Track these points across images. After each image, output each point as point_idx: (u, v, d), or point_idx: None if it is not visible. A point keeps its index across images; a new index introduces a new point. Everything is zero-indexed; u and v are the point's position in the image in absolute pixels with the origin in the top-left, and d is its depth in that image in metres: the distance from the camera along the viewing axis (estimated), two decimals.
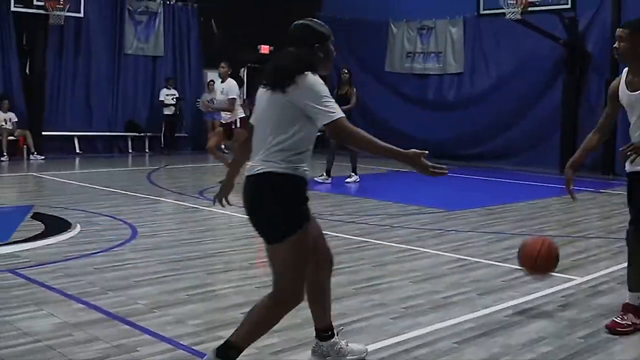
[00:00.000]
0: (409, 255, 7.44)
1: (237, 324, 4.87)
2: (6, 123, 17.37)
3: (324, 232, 4.20)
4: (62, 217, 9.08)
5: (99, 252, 7.15)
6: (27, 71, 18.49)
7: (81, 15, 18.48)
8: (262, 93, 3.90)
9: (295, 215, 3.75)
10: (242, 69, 22.27)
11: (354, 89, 14.21)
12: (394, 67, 21.01)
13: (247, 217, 3.85)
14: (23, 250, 7.18)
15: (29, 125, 17.83)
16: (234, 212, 10.04)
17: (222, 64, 12.98)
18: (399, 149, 3.68)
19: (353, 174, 13.87)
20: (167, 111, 20.20)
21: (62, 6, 17.80)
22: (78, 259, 6.88)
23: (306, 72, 3.71)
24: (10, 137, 17.36)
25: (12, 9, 17.45)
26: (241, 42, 21.30)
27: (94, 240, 7.78)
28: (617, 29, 4.92)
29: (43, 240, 7.71)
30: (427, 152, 3.68)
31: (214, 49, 21.28)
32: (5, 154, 16.95)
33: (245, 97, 22.40)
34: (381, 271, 6.69)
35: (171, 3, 21.01)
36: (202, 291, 5.79)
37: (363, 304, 5.55)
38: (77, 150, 19.00)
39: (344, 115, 3.69)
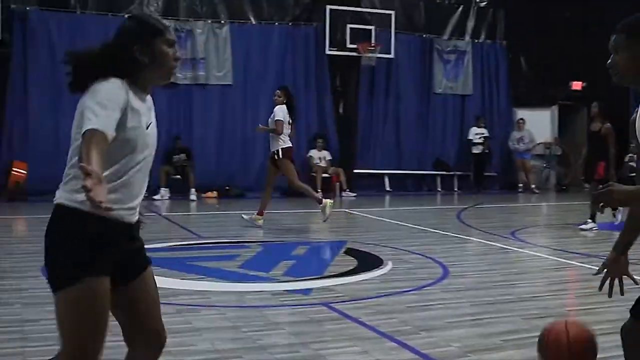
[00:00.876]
0: None
1: None
2: (320, 161, 18.17)
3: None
4: (373, 253, 9.18)
5: (410, 291, 7.08)
6: (341, 111, 19.25)
7: (392, 56, 19.01)
8: None
9: (73, 263, 2.95)
10: (553, 106, 21.63)
11: (608, 126, 11.97)
12: None
13: None
14: (337, 285, 7.30)
15: (341, 163, 18.52)
16: (548, 255, 9.64)
17: (278, 91, 11.91)
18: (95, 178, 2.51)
19: (589, 220, 11.89)
20: (476, 150, 20.04)
21: (373, 48, 18.49)
22: (390, 296, 6.85)
23: (104, 78, 2.96)
24: (324, 174, 18.11)
25: (327, 52, 18.36)
26: (551, 78, 20.72)
27: (405, 278, 7.74)
28: (611, 37, 3.16)
29: (356, 276, 7.81)
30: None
31: (524, 86, 20.91)
32: (319, 190, 17.65)
33: (557, 134, 21.76)
34: None
35: (480, 41, 20.94)
36: (518, 337, 5.47)
37: None
38: (387, 188, 19.38)
39: (102, 130, 2.74)
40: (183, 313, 6.07)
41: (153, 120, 3.22)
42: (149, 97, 3.24)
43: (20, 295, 6.63)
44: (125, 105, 2.96)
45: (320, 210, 11.59)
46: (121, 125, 2.93)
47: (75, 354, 3.02)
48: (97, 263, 2.97)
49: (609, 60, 3.16)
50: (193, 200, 16.41)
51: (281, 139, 11.48)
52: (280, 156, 11.47)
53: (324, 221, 11.54)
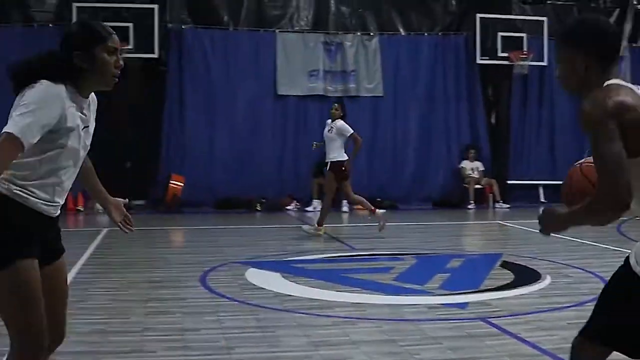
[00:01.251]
0: None
1: None
2: (473, 172, 17.90)
3: None
4: (530, 267, 8.92)
5: (571, 306, 6.82)
6: (493, 121, 18.91)
7: (544, 63, 18.48)
8: None
9: (3, 248, 3.07)
10: None
11: None
12: None
13: None
14: (494, 299, 7.13)
15: (494, 174, 18.17)
16: None
17: (336, 105, 12.43)
18: None
19: None
20: None
21: (525, 56, 18.03)
22: (550, 311, 6.62)
23: (37, 81, 3.01)
24: (477, 186, 17.83)
25: (478, 61, 18.06)
26: None
27: (565, 293, 7.48)
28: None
29: (513, 290, 7.60)
30: None
31: None
32: (472, 201, 17.44)
33: None
34: None
35: (638, 45, 20.08)
36: None
37: None
38: (542, 199, 18.83)
39: (19, 135, 2.85)
40: (340, 325, 6.07)
41: (90, 125, 3.31)
42: (90, 100, 3.32)
43: (180, 305, 6.81)
44: (59, 111, 3.04)
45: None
46: (52, 130, 3.03)
47: (18, 335, 3.13)
48: (25, 247, 3.10)
49: (556, 71, 3.12)
50: (345, 212, 16.49)
51: (343, 151, 12.02)
52: (331, 168, 12.00)
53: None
